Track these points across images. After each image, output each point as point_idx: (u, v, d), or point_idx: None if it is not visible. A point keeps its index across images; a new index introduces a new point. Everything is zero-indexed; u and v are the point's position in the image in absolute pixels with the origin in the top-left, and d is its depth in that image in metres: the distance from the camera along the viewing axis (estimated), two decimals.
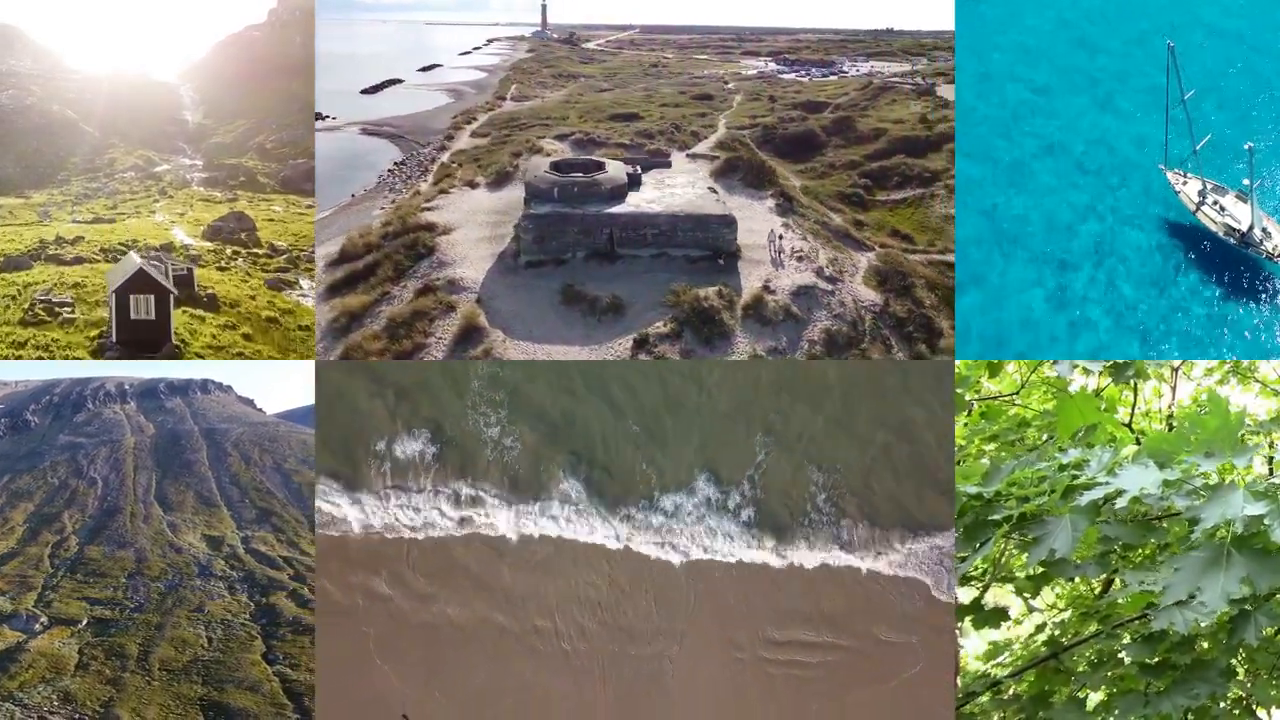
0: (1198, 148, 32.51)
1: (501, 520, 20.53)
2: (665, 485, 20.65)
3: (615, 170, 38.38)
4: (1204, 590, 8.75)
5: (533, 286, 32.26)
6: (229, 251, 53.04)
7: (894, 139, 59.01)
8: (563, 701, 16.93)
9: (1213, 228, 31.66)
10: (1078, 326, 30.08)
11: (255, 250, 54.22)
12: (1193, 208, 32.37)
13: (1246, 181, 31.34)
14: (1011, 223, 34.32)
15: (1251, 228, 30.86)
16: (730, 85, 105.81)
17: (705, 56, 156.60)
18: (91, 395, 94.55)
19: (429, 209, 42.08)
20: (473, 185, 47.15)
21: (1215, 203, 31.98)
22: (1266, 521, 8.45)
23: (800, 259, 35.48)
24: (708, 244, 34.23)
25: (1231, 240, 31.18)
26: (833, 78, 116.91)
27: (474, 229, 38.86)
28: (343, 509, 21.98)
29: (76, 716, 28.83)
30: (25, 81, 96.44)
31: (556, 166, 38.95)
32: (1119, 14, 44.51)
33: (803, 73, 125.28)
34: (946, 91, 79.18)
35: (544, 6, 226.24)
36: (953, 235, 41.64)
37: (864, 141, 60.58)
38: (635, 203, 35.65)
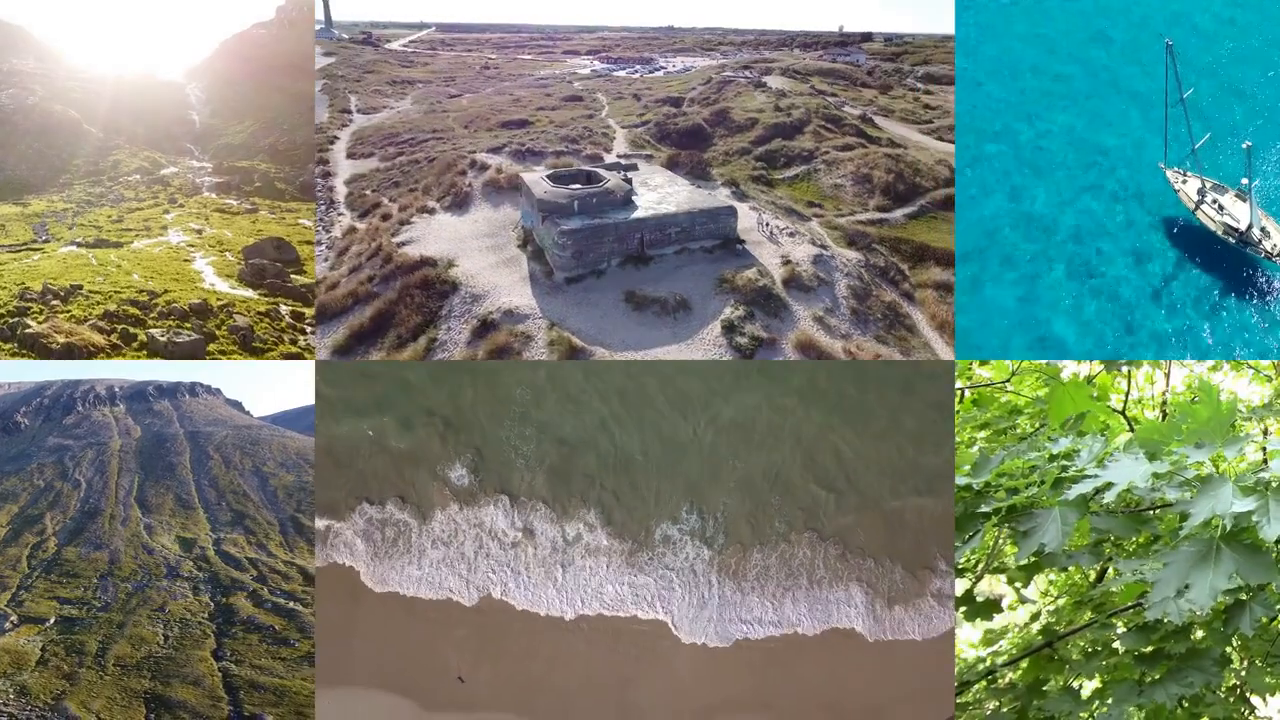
0: (1196, 146, 32.10)
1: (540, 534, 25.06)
2: (661, 514, 24.85)
3: (615, 178, 38.89)
4: (1193, 586, 8.70)
5: (589, 301, 31.98)
6: (287, 314, 41.38)
7: (766, 125, 65.06)
8: (579, 661, 22.08)
9: (1211, 226, 31.23)
10: (1072, 325, 29.46)
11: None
12: (1192, 206, 31.96)
13: (1245, 181, 30.76)
14: (1007, 221, 33.77)
15: (1250, 227, 30.41)
16: (578, 85, 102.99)
17: (530, 57, 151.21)
18: (82, 397, 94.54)
19: (406, 244, 38.64)
20: (429, 211, 43.65)
21: (1214, 201, 31.57)
22: (1255, 518, 8.35)
23: (792, 235, 38.56)
24: (719, 234, 36.07)
25: (1230, 239, 30.66)
26: (659, 73, 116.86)
27: (476, 256, 36.76)
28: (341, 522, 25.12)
29: (29, 709, 28.76)
30: (28, 81, 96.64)
31: (554, 180, 38.48)
32: (1126, 8, 44.07)
33: (631, 70, 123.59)
34: (772, 81, 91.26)
35: (326, 2, 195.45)
36: (846, 200, 49.44)
37: (743, 130, 65.04)
38: (646, 205, 36.62)
